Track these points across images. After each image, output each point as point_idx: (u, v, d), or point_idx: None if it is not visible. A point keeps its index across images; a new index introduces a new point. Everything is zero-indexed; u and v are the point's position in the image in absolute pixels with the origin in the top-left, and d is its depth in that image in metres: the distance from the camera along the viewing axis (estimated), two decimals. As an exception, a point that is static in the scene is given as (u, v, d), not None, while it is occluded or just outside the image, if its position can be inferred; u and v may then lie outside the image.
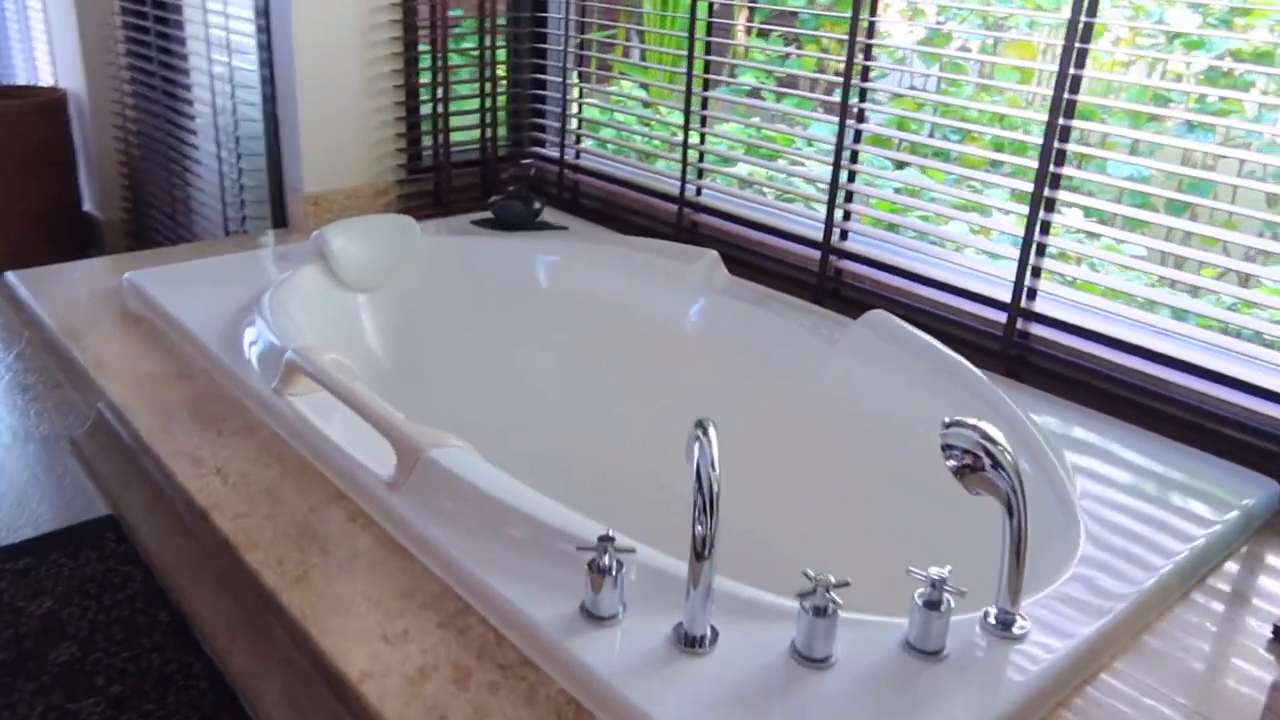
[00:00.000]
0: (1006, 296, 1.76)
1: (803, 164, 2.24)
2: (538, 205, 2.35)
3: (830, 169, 1.97)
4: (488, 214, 2.38)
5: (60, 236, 3.48)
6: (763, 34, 3.31)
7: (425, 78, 2.43)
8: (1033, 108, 2.55)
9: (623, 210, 2.46)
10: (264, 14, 2.28)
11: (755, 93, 2.94)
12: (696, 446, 1.06)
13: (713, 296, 2.02)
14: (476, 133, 2.54)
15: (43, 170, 3.39)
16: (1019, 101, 2.54)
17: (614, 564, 1.06)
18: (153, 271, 1.95)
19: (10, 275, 2.01)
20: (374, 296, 2.08)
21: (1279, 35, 2.26)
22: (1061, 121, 1.62)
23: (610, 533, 1.08)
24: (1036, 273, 1.73)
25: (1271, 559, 1.33)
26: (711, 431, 1.06)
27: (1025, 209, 1.69)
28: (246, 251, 2.14)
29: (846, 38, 1.90)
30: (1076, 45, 1.58)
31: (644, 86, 3.06)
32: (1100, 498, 1.37)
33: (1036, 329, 1.74)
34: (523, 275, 2.23)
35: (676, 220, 2.32)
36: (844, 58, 1.91)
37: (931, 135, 2.49)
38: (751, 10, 3.03)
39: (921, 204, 1.95)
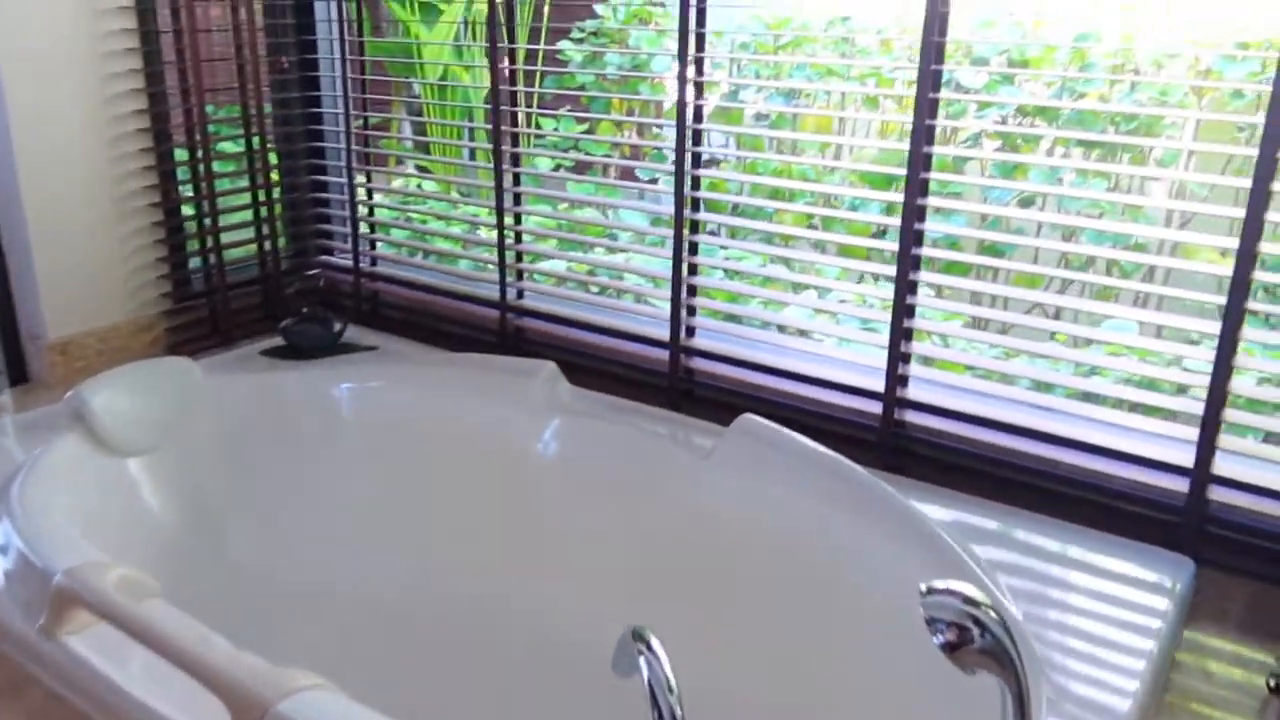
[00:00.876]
0: (877, 385, 1.66)
1: (627, 255, 2.09)
2: (338, 326, 2.06)
3: (670, 260, 1.82)
4: (279, 340, 2.06)
5: None
6: (553, 111, 3.16)
7: (187, 189, 2.09)
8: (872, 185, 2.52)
9: (435, 320, 2.21)
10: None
11: (584, 169, 2.77)
12: (643, 664, 0.84)
13: (560, 414, 1.80)
14: (253, 246, 2.22)
15: None
16: (874, 179, 2.51)
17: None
18: None
19: None
20: (153, 459, 1.72)
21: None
22: (919, 201, 1.54)
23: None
24: (906, 358, 1.64)
25: (1217, 643, 1.26)
26: (655, 643, 0.86)
27: (890, 293, 1.60)
28: (-24, 423, 1.73)
29: (675, 122, 1.76)
30: (926, 122, 1.51)
31: (445, 183, 2.83)
32: (1028, 595, 1.26)
33: (913, 416, 1.65)
34: (332, 411, 1.93)
35: (500, 327, 2.09)
36: (673, 138, 1.77)
37: (771, 219, 2.40)
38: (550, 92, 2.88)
39: (773, 293, 1.83)
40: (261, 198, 2.20)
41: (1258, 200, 1.28)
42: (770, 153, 2.57)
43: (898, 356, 1.61)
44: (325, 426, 1.93)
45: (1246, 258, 1.31)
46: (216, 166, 2.11)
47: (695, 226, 1.81)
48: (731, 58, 2.68)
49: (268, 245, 2.23)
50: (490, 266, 2.14)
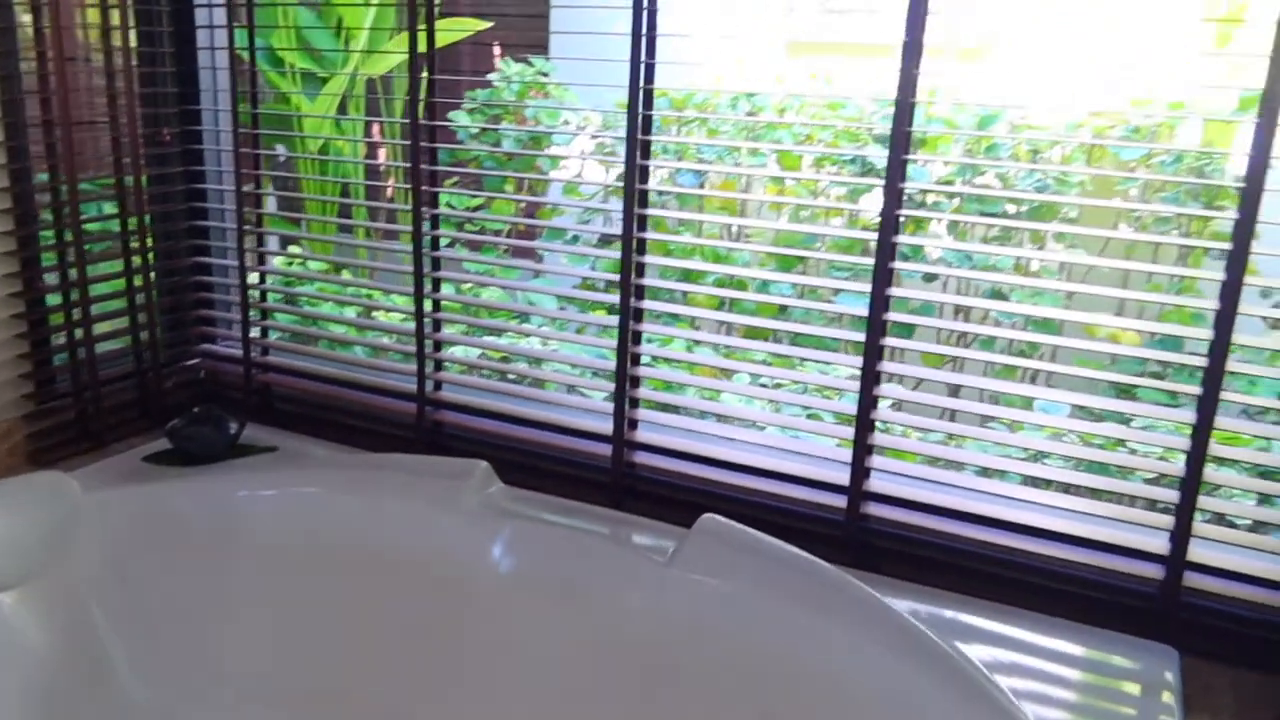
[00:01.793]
0: (838, 478, 1.61)
1: (547, 342, 1.97)
2: (233, 427, 1.84)
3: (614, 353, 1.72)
4: (165, 444, 1.83)
5: None
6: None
7: (52, 278, 1.85)
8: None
9: (341, 415, 2.02)
10: None
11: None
12: None
13: (497, 519, 1.65)
14: (128, 337, 1.98)
15: None
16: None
17: None
18: None
19: None
20: (28, 591, 1.47)
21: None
22: (887, 292, 1.51)
23: None
24: (870, 450, 1.58)
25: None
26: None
27: (856, 385, 1.55)
28: None
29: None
30: (895, 212, 1.48)
31: (349, 265, 2.63)
32: (1031, 696, 1.21)
33: (877, 509, 1.59)
34: (233, 524, 1.71)
35: (417, 422, 1.93)
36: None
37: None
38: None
39: (724, 384, 1.76)
40: (139, 282, 1.97)
41: (1231, 291, 1.30)
42: (685, 233, 2.52)
43: (863, 449, 1.56)
44: (226, 543, 1.71)
45: (1221, 348, 1.32)
46: (88, 248, 1.88)
47: (639, 314, 1.72)
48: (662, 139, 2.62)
49: (144, 335, 1.99)
50: (400, 355, 1.98)
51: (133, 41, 1.90)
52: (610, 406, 1.74)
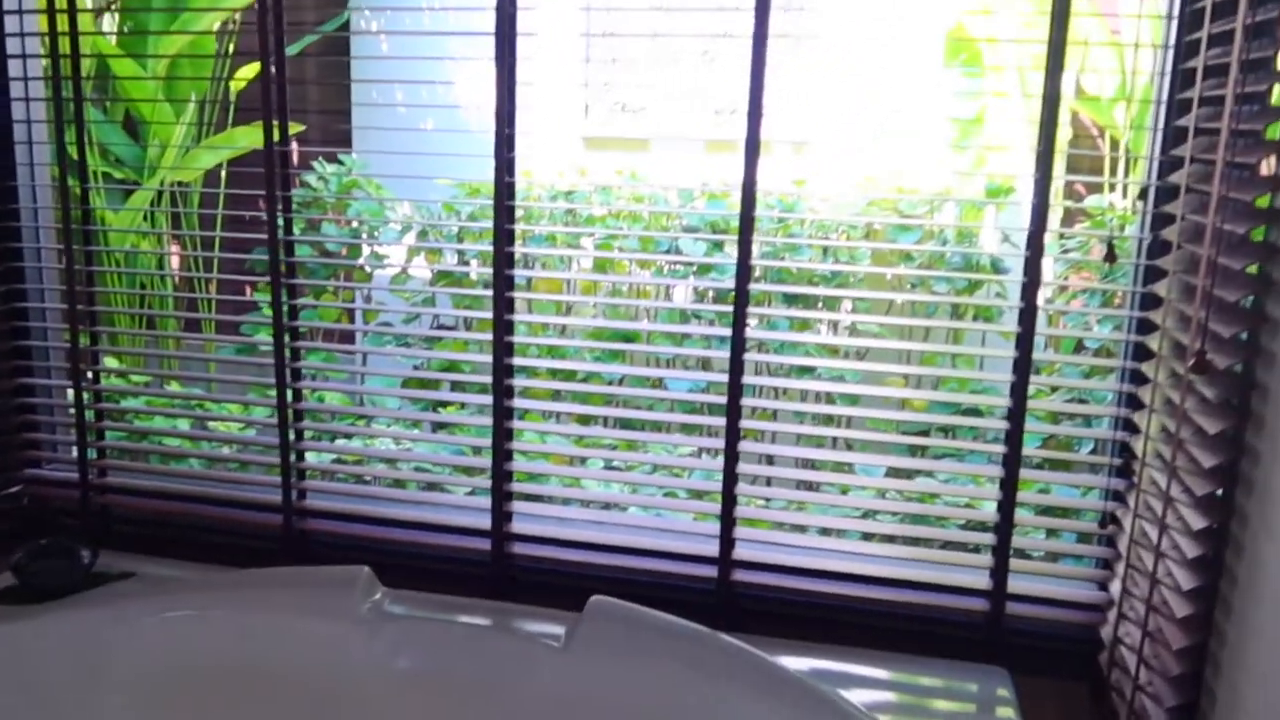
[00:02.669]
0: (707, 550, 1.76)
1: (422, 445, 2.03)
2: (86, 556, 1.77)
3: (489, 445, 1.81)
4: (9, 580, 1.73)
5: None
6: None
7: None
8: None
9: (196, 532, 1.97)
10: None
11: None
12: None
13: (389, 623, 1.68)
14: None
15: None
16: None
17: None
18: None
19: None
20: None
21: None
22: (742, 380, 1.69)
23: None
24: (734, 522, 1.75)
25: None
26: None
27: (714, 463, 1.72)
28: None
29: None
30: (748, 298, 1.67)
31: (182, 380, 2.53)
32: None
33: (744, 575, 1.76)
34: (97, 662, 1.64)
35: (284, 532, 1.91)
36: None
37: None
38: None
39: (598, 473, 1.88)
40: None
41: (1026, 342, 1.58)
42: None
43: (730, 521, 1.73)
44: (89, 684, 1.63)
45: (1018, 412, 1.59)
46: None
47: (510, 412, 1.82)
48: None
49: (-36, 465, 1.87)
50: (259, 467, 1.97)
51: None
52: (482, 501, 1.82)
